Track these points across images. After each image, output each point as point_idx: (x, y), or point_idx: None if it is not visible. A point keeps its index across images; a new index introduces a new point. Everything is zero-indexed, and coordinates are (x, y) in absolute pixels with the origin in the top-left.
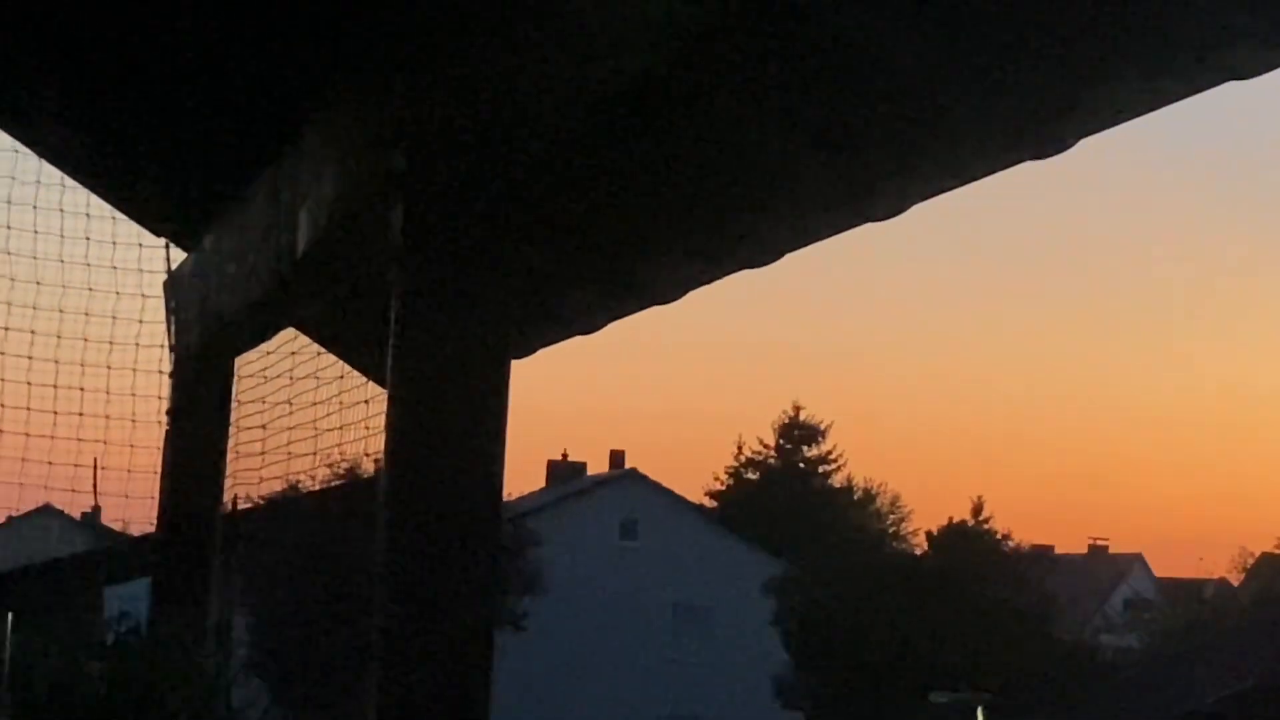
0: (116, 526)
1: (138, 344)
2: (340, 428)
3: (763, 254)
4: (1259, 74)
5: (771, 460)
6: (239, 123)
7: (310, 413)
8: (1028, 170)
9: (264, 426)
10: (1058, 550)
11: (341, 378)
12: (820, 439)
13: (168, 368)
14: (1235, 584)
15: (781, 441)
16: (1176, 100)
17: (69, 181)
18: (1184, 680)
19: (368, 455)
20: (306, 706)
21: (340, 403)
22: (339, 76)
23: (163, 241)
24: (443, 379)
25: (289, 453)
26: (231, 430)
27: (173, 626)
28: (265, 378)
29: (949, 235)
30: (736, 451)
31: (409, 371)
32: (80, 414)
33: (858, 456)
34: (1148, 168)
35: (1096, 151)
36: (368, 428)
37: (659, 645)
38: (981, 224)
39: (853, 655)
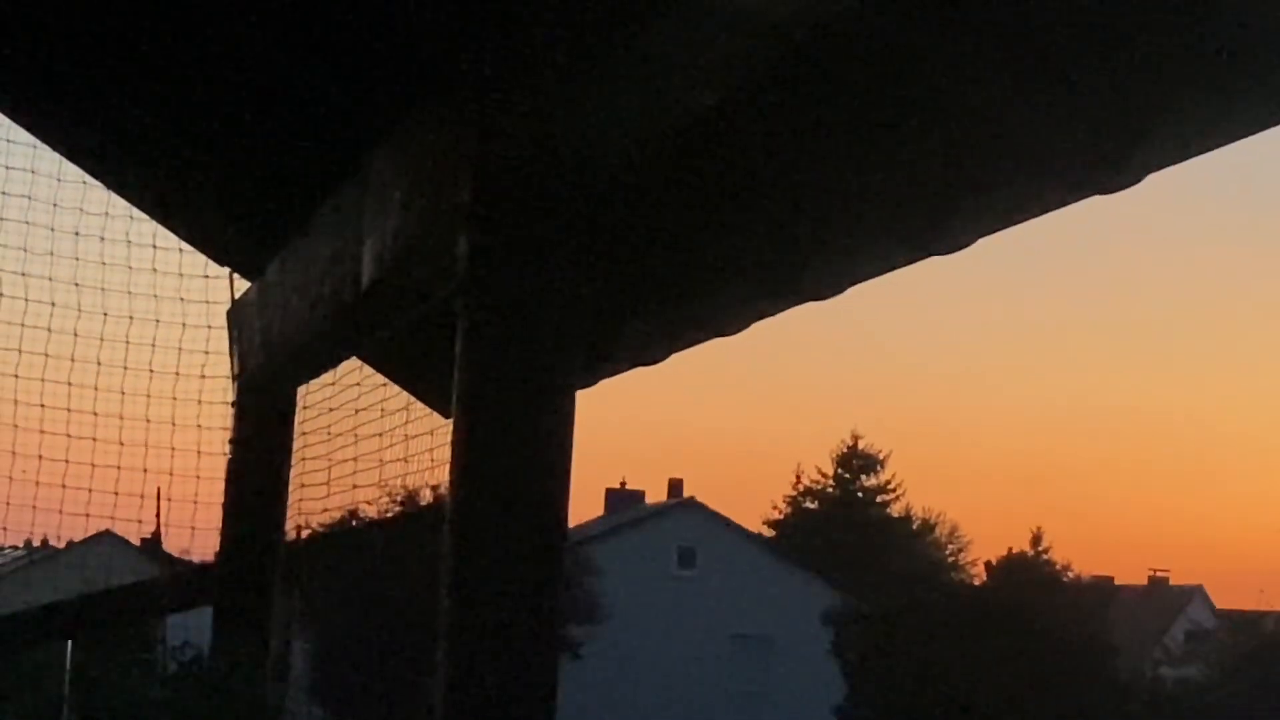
0: (178, 554)
1: (203, 375)
2: (404, 459)
3: (826, 288)
4: None
5: (830, 489)
6: (304, 152)
7: (373, 443)
8: (1092, 201)
9: (327, 457)
10: (1117, 581)
11: (405, 409)
12: (879, 468)
13: (231, 397)
14: None
15: (840, 471)
16: (1247, 135)
17: (136, 213)
18: (1244, 713)
19: (430, 487)
20: None
21: (404, 434)
22: (405, 107)
23: (227, 271)
24: (507, 409)
25: (352, 484)
26: (294, 460)
27: (234, 655)
28: (329, 408)
29: (1009, 265)
30: (795, 481)
31: (474, 402)
32: (145, 445)
33: (916, 486)
34: (1216, 197)
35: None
36: (432, 459)
37: (717, 675)
38: (1042, 255)
39: (913, 687)
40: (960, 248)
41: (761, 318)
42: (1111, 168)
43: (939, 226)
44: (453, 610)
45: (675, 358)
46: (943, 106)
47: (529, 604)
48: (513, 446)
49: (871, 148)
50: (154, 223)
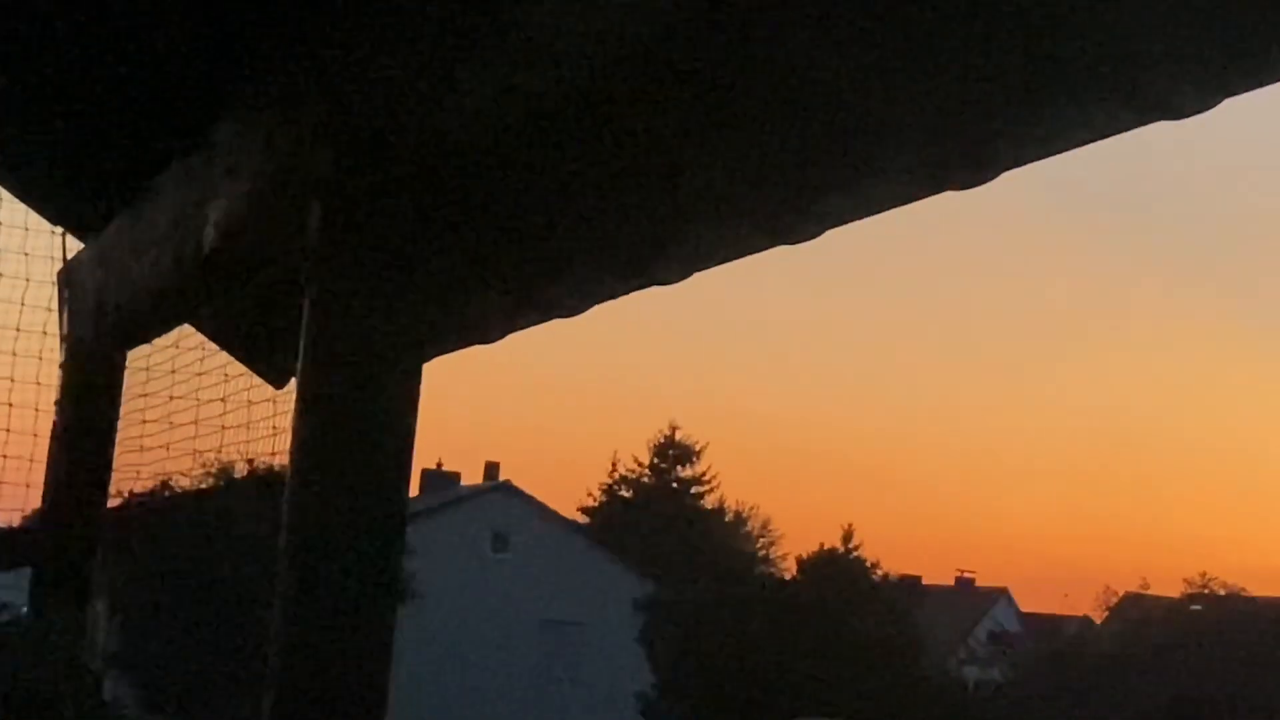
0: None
1: (45, 332)
2: (229, 428)
3: (673, 273)
4: (1190, 115)
5: (646, 479)
6: (149, 114)
7: (197, 411)
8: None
9: (152, 421)
10: (925, 581)
11: (232, 377)
12: (695, 459)
13: (60, 358)
14: (1098, 621)
15: (656, 460)
16: (1107, 136)
17: None
18: (1044, 717)
19: (246, 460)
20: (175, 706)
21: (231, 402)
22: (258, 72)
23: (60, 230)
24: (354, 380)
25: (176, 450)
26: (120, 425)
27: (55, 619)
28: (156, 373)
29: (831, 262)
30: (611, 469)
31: (320, 372)
32: None
33: (731, 479)
34: (1042, 203)
35: (993, 185)
36: (274, 428)
37: (526, 660)
38: (865, 250)
39: (720, 678)
40: (813, 237)
41: (603, 300)
42: (970, 164)
43: (795, 216)
44: (291, 580)
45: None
46: (804, 97)
47: (370, 575)
48: (359, 416)
49: (729, 136)
50: None
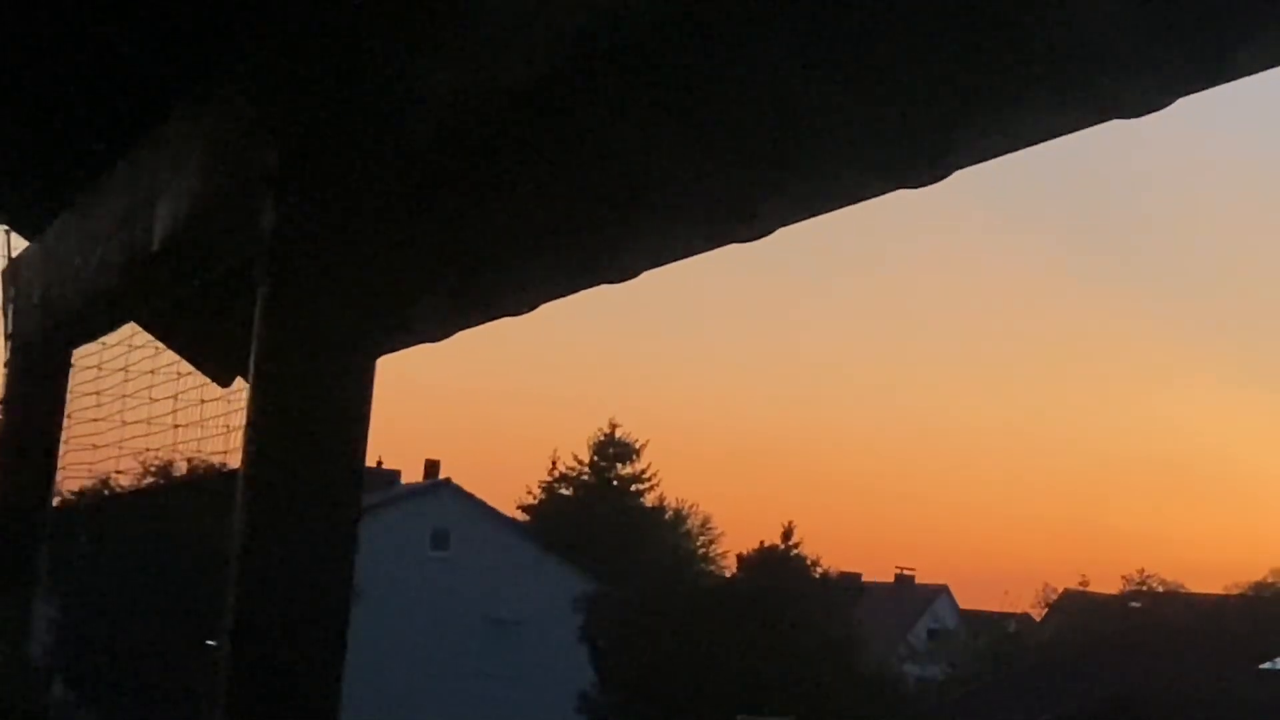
0: None
1: None
2: (181, 426)
3: (622, 272)
4: (1145, 114)
5: (586, 477)
6: (95, 109)
7: (150, 409)
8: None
9: (103, 420)
10: (865, 578)
11: (184, 374)
12: (635, 457)
13: (4, 357)
14: (1037, 619)
15: (596, 458)
16: (1060, 135)
17: None
18: (983, 713)
19: (186, 460)
20: (111, 706)
21: (183, 400)
22: (207, 67)
23: (4, 227)
24: (308, 376)
25: (129, 448)
26: (66, 423)
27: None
28: (106, 370)
29: (770, 258)
30: (551, 467)
31: (274, 369)
32: None
33: (671, 476)
34: (987, 205)
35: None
36: (227, 426)
37: (468, 657)
38: (809, 250)
39: (660, 675)
40: (763, 236)
41: (550, 299)
42: (923, 159)
43: (746, 213)
44: (243, 578)
45: None
46: (754, 96)
47: (325, 572)
48: (313, 412)
49: (679, 135)
50: None
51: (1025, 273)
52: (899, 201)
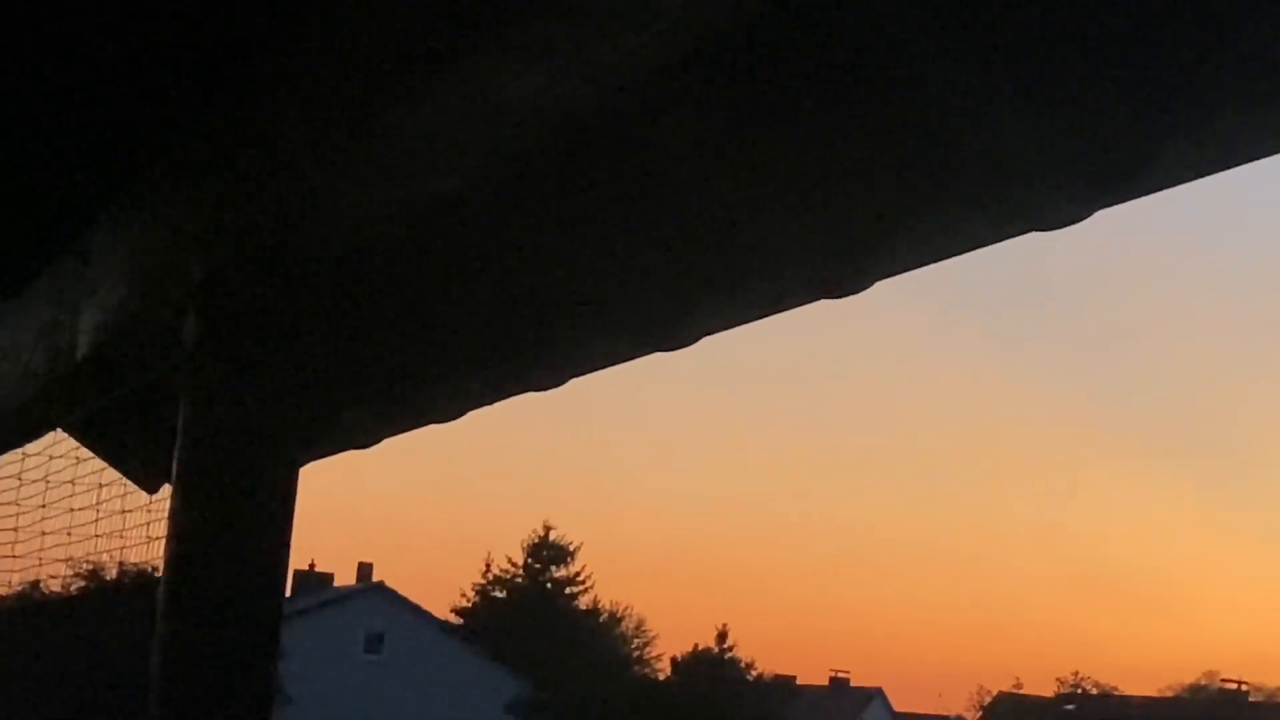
0: None
1: None
2: (101, 535)
3: (549, 380)
4: (1062, 226)
5: (519, 579)
6: (18, 219)
7: (67, 519)
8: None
9: (25, 528)
10: (800, 681)
11: (107, 484)
12: (570, 560)
13: None
14: None
15: (530, 561)
16: (978, 247)
17: None
18: None
19: (120, 564)
20: None
21: (104, 509)
22: (131, 178)
23: None
24: (230, 486)
25: (49, 556)
26: None
27: None
28: (28, 479)
29: (704, 365)
30: (485, 569)
31: (196, 477)
32: None
33: (606, 579)
34: (915, 308)
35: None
36: (148, 536)
37: None
38: (744, 354)
39: None
40: (689, 344)
41: (482, 406)
42: (846, 270)
43: (671, 324)
44: (165, 686)
45: None
46: (677, 206)
47: (245, 678)
48: (233, 522)
49: (599, 244)
50: None
51: (958, 379)
52: (828, 308)
